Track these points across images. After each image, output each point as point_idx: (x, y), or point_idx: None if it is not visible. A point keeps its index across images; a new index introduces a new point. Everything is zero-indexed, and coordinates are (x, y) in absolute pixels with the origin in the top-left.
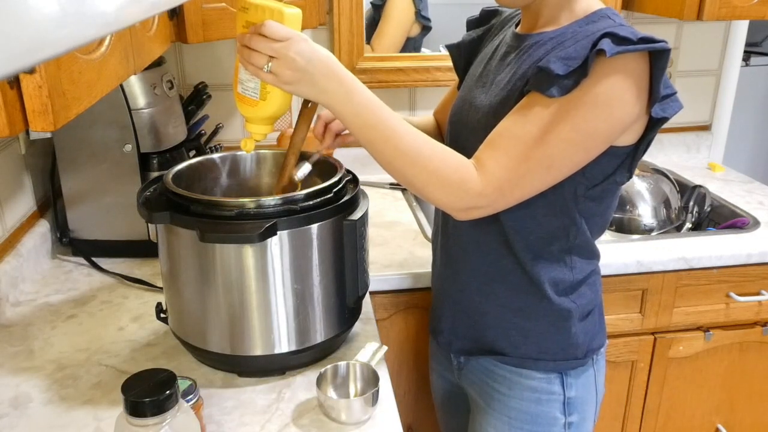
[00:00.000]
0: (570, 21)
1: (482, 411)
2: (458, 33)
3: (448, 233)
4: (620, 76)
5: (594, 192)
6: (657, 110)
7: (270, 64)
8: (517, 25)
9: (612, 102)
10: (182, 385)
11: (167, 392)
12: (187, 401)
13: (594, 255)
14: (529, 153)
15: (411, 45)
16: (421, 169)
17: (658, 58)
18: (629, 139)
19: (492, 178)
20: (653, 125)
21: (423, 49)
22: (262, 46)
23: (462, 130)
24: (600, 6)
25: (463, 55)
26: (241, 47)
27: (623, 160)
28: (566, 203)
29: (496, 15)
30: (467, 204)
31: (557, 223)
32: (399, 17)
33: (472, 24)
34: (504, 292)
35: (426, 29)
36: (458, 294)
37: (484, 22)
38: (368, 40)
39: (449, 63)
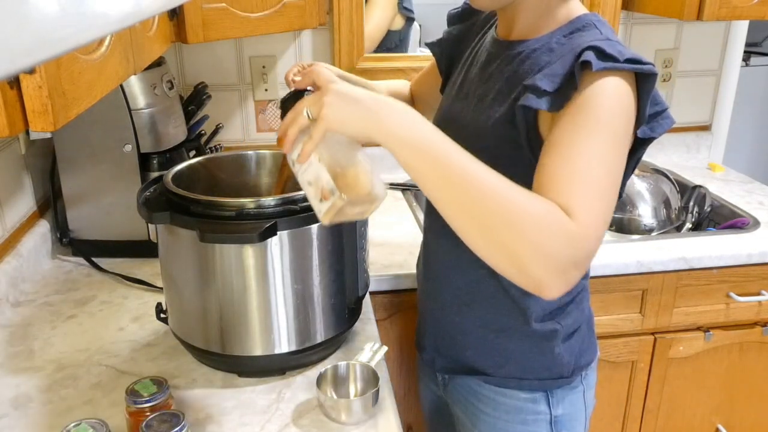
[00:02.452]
0: (552, 28)
1: (468, 431)
2: None
3: (430, 250)
4: (609, 88)
5: None
6: (645, 130)
7: (309, 109)
8: (496, 27)
9: (611, 110)
10: (145, 390)
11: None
12: (155, 401)
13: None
14: (598, 180)
15: (396, 38)
16: (513, 219)
17: (644, 80)
18: None
19: (585, 217)
20: (640, 144)
21: (423, 49)
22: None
23: None
24: (583, 11)
25: (445, 54)
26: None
27: None
28: None
29: (478, 11)
30: (568, 256)
31: None
32: (374, 16)
33: (453, 18)
34: (484, 312)
35: (410, 21)
36: (439, 312)
37: (465, 18)
38: None
39: None
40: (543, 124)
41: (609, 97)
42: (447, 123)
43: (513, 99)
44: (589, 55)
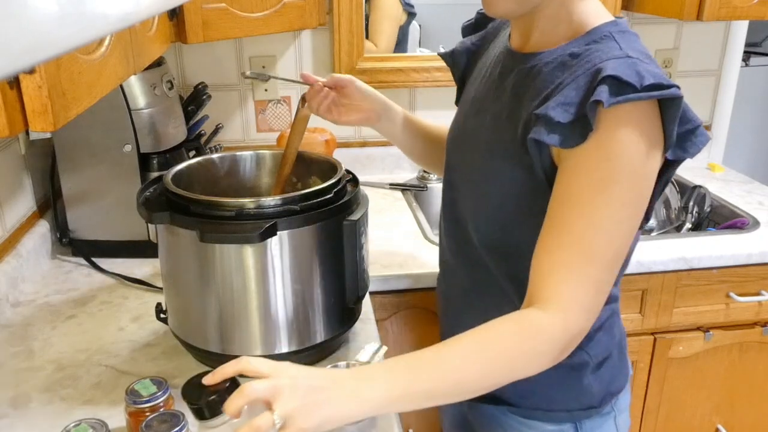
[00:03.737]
0: (568, 39)
1: None
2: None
3: (447, 281)
4: (627, 128)
5: None
6: (676, 152)
7: (277, 419)
8: (510, 35)
9: (631, 156)
10: (145, 390)
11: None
12: (155, 401)
13: (612, 299)
14: (588, 258)
15: (399, 33)
16: (503, 373)
17: (669, 104)
18: None
19: (570, 307)
20: (670, 165)
21: (422, 49)
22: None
23: (458, 164)
24: (605, 19)
25: (457, 66)
26: None
27: None
28: None
29: (491, 19)
30: (559, 348)
31: None
32: (391, 12)
33: (467, 30)
34: None
35: (411, 15)
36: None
37: (480, 27)
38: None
39: None
40: (558, 153)
41: (623, 143)
42: (461, 141)
43: (524, 122)
44: (602, 93)
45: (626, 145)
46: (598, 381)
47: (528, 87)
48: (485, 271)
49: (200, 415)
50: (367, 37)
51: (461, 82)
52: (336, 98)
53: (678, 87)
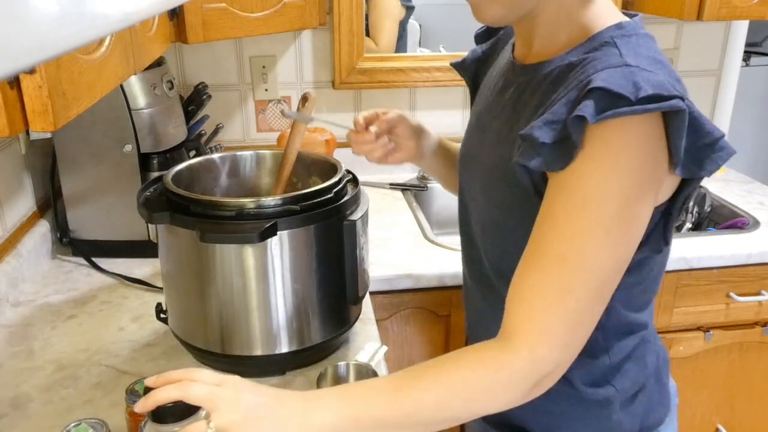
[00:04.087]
0: (569, 47)
1: None
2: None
3: (466, 299)
4: (617, 147)
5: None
6: (691, 170)
7: (211, 424)
8: (513, 46)
9: (619, 176)
10: None
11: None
12: None
13: (639, 327)
14: (564, 287)
15: (399, 29)
16: (460, 406)
17: (672, 118)
18: (658, 199)
19: (539, 340)
20: (687, 182)
21: (423, 49)
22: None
23: (466, 184)
24: (610, 22)
25: (468, 75)
26: None
27: (656, 223)
28: None
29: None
30: (528, 384)
31: None
32: (391, 10)
33: (480, 37)
34: None
35: (410, 10)
36: None
37: (492, 34)
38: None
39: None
40: (549, 173)
41: (611, 163)
42: (467, 160)
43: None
44: (586, 108)
45: (615, 165)
46: (631, 416)
47: (526, 103)
48: (497, 295)
49: (154, 417)
50: (367, 35)
51: (474, 92)
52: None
53: (681, 98)
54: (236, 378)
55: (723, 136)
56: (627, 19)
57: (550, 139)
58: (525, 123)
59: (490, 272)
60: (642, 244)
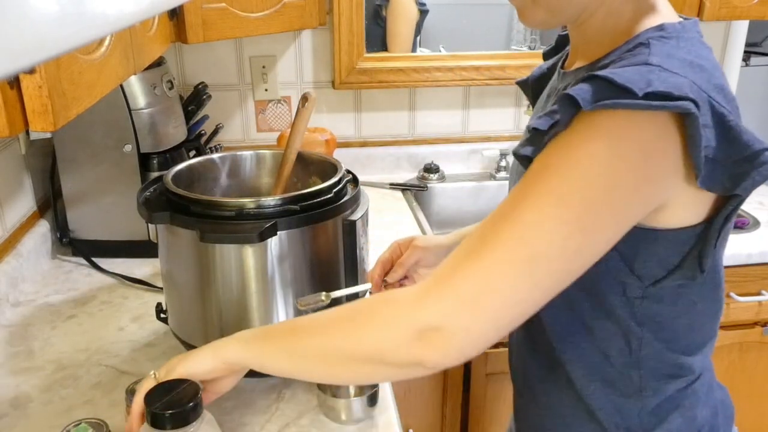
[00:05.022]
0: (609, 48)
1: None
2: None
3: (510, 344)
4: (610, 140)
5: (657, 291)
6: (725, 186)
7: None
8: (566, 58)
9: (585, 148)
10: None
11: (191, 404)
12: None
13: (686, 371)
14: (488, 241)
15: (415, 30)
16: (343, 334)
17: (686, 123)
18: (689, 217)
19: (434, 285)
20: (727, 200)
21: (423, 49)
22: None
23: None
24: (657, 22)
25: (531, 93)
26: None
27: (691, 247)
28: (613, 308)
29: (568, 41)
30: (409, 328)
31: (609, 330)
32: (407, 15)
33: (548, 55)
34: (556, 425)
35: (424, 13)
36: (520, 399)
37: (559, 49)
38: (368, 38)
39: (449, 63)
40: None
41: (579, 151)
42: (511, 174)
43: None
44: (581, 89)
45: (599, 152)
46: None
47: None
48: (537, 325)
49: (152, 423)
50: (383, 47)
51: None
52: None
53: (695, 102)
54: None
55: (765, 149)
56: (674, 21)
57: (545, 126)
58: None
59: None
60: (674, 269)
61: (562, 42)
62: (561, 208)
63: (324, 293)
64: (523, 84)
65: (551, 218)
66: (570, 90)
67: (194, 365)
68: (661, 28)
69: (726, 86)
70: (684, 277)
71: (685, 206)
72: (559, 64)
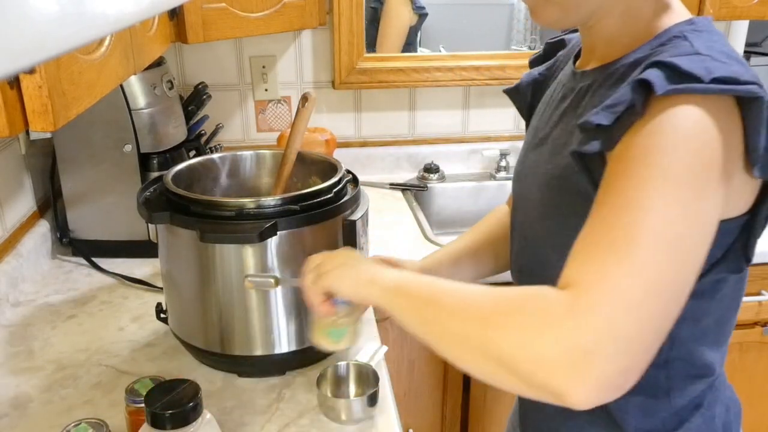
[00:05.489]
0: (633, 47)
1: None
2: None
3: None
4: (679, 120)
5: (698, 287)
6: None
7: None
8: (577, 58)
9: (675, 138)
10: (144, 389)
11: (191, 404)
12: None
13: (709, 371)
14: (628, 238)
15: (412, 33)
16: (480, 324)
17: (748, 105)
18: (736, 207)
19: (589, 286)
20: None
21: (423, 49)
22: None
23: (522, 205)
24: (679, 19)
25: (523, 99)
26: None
27: (735, 238)
28: None
29: (561, 46)
30: (572, 345)
31: None
32: (397, 20)
33: (536, 62)
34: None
35: (423, 17)
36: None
37: (549, 57)
38: (368, 39)
39: (449, 63)
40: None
41: (675, 134)
42: (523, 177)
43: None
44: (652, 74)
45: (683, 144)
46: None
47: (586, 106)
48: None
49: (152, 423)
50: (372, 47)
51: (528, 115)
52: None
53: (760, 85)
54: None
55: None
56: (696, 16)
57: (608, 121)
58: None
59: None
60: (718, 262)
61: (552, 50)
62: (679, 190)
63: (273, 278)
64: (513, 92)
65: (675, 202)
66: (642, 75)
67: (347, 289)
68: (691, 22)
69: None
70: (727, 270)
71: (739, 195)
72: (571, 66)
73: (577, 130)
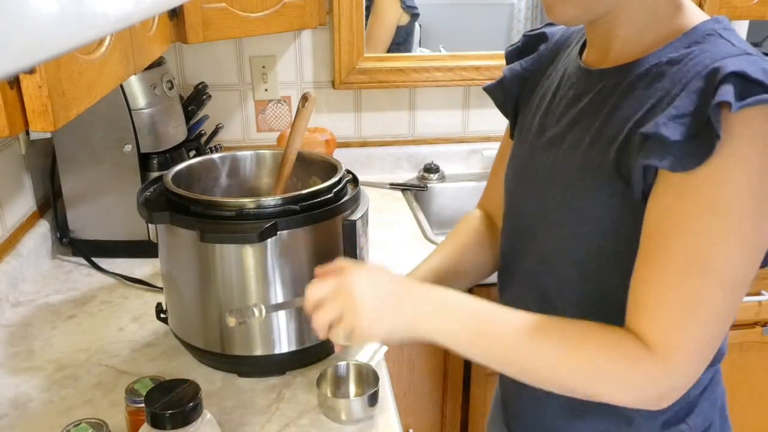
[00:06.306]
0: (658, 45)
1: None
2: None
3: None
4: (758, 139)
5: None
6: None
7: (339, 331)
8: (581, 52)
9: (755, 177)
10: (145, 389)
11: (191, 404)
12: None
13: (720, 356)
14: (698, 299)
15: (403, 33)
16: (585, 383)
17: None
18: None
19: (677, 354)
20: None
21: (423, 49)
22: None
23: (530, 208)
24: (703, 17)
25: (509, 95)
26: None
27: None
28: None
29: (542, 40)
30: (656, 391)
31: None
32: (383, 19)
33: (512, 55)
34: (583, 424)
35: (415, 16)
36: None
37: (528, 51)
38: None
39: (449, 63)
40: (661, 171)
41: (751, 159)
42: (531, 179)
43: (620, 144)
44: (727, 94)
45: (755, 159)
46: None
47: (618, 106)
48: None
49: (152, 423)
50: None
51: (515, 112)
52: None
53: None
54: (351, 279)
55: None
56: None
57: (680, 136)
58: (619, 126)
59: (563, 305)
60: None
61: (531, 43)
62: (743, 239)
63: (256, 308)
64: (496, 87)
65: (739, 253)
66: (719, 98)
67: (386, 336)
68: (717, 20)
69: None
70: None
71: None
72: (575, 62)
73: (623, 130)
